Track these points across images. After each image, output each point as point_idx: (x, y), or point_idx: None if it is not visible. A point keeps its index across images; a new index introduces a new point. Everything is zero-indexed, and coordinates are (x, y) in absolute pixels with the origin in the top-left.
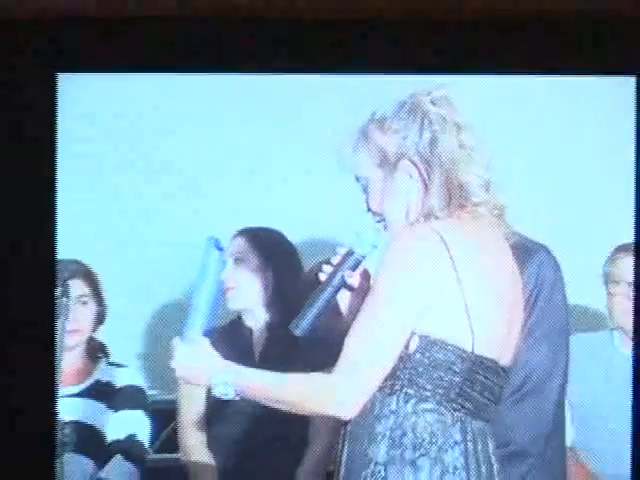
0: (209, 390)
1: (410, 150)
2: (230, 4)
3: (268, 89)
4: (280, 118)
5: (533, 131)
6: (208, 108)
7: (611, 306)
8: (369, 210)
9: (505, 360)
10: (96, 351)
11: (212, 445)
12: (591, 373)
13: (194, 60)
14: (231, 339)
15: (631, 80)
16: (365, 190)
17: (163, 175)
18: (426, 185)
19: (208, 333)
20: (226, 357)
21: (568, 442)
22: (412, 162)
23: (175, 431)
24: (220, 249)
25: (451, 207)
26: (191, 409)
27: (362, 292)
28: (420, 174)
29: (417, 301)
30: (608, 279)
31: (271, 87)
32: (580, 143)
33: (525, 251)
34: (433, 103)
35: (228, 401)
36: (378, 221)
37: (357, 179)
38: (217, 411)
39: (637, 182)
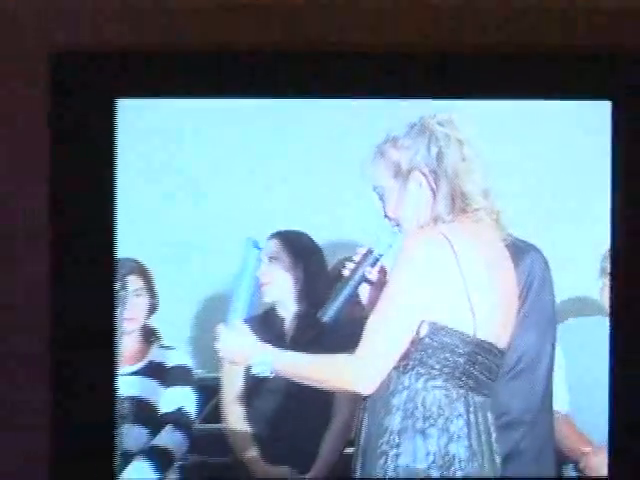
0: (248, 369)
1: (420, 163)
2: (256, 39)
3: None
4: (306, 136)
5: (526, 145)
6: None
7: (602, 295)
8: (386, 216)
9: (502, 343)
10: (150, 336)
11: (250, 416)
12: (585, 353)
13: (213, 87)
14: (266, 326)
15: (607, 104)
16: (381, 198)
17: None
18: (434, 193)
19: (247, 321)
20: (263, 341)
21: (564, 409)
22: (422, 173)
23: (218, 404)
24: (258, 248)
25: (455, 212)
26: (232, 386)
27: (380, 285)
28: (429, 183)
29: (426, 293)
30: (603, 273)
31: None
32: (570, 155)
33: (518, 250)
34: (439, 124)
35: (264, 379)
36: (394, 225)
37: (374, 189)
38: (254, 387)
39: (613, 187)
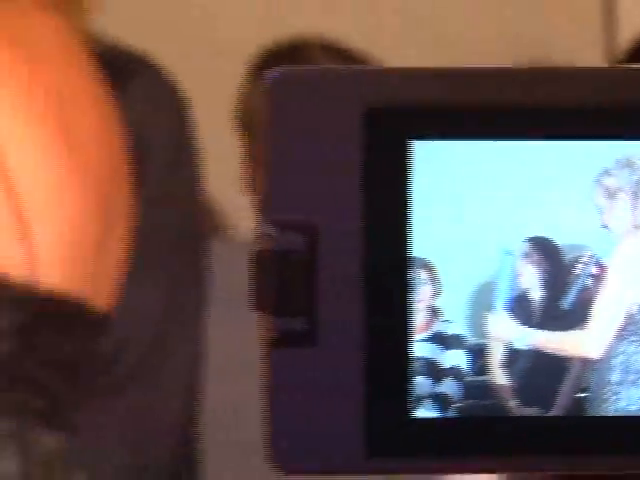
0: (508, 344)
1: (625, 187)
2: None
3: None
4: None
5: None
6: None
7: None
8: (603, 226)
9: None
10: (435, 313)
11: (507, 374)
12: None
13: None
14: (521, 310)
15: None
16: (599, 213)
17: None
18: (635, 208)
19: (507, 307)
20: (519, 322)
21: None
22: (625, 193)
23: (484, 365)
24: (510, 254)
25: None
26: (496, 353)
27: (601, 279)
28: (630, 201)
29: (635, 281)
30: None
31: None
32: None
33: None
34: (638, 158)
35: (519, 349)
36: (609, 233)
37: (595, 206)
38: (512, 355)
39: None
